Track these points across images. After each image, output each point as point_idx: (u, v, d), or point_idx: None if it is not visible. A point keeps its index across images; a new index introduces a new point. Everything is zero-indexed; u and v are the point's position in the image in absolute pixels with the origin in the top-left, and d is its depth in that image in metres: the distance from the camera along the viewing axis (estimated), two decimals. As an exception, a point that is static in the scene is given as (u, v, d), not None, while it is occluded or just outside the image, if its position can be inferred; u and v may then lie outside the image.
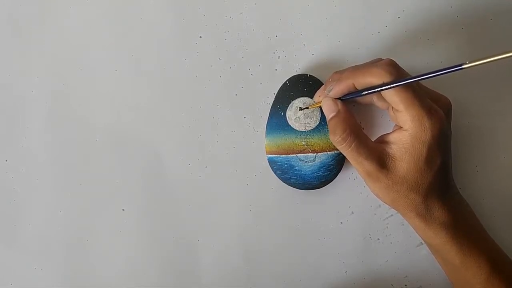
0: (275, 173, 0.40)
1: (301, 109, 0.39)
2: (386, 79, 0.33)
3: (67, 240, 0.42)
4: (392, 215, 0.41)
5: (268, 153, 0.40)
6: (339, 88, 0.36)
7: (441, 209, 0.35)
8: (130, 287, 0.42)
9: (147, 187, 0.42)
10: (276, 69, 0.41)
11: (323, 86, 0.38)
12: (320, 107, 0.38)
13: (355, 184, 0.41)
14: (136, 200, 0.42)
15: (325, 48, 0.41)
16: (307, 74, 0.40)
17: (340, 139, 0.35)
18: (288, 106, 0.39)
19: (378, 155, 0.35)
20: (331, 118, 0.36)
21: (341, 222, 0.41)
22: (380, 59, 0.36)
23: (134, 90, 0.42)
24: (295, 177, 0.39)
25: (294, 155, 0.39)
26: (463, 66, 0.30)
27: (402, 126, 0.34)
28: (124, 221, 0.42)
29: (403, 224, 0.41)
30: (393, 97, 0.34)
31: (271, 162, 0.40)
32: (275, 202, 0.41)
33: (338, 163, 0.39)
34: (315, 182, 0.39)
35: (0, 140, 0.42)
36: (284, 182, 0.40)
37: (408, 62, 0.40)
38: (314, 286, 0.41)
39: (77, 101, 0.42)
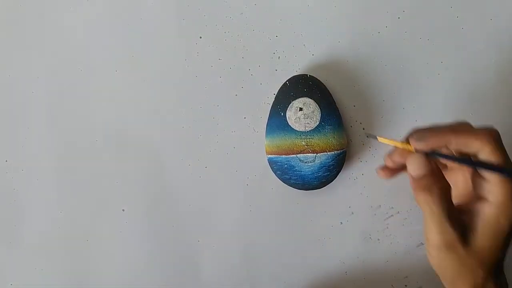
0: (275, 173, 0.40)
1: (300, 109, 0.39)
2: (489, 145, 0.31)
3: (67, 240, 0.42)
4: (392, 215, 0.41)
5: (268, 153, 0.40)
6: (434, 142, 0.32)
7: (493, 286, 0.32)
8: (131, 287, 0.42)
9: (147, 187, 0.42)
10: (276, 69, 0.41)
11: (411, 132, 0.34)
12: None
13: (355, 184, 0.41)
14: (136, 200, 0.42)
15: (325, 48, 0.41)
16: (307, 75, 0.40)
17: (433, 199, 0.32)
18: (288, 107, 0.39)
19: (460, 224, 0.32)
20: (425, 176, 0.32)
21: (341, 222, 0.41)
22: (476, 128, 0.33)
23: (134, 90, 0.42)
24: (295, 177, 0.39)
25: (294, 155, 0.39)
26: None
27: (486, 197, 0.32)
28: (125, 221, 0.42)
29: (403, 225, 0.41)
30: None
31: (271, 162, 0.40)
32: (275, 202, 0.41)
33: (338, 164, 0.39)
34: (315, 182, 0.39)
35: (0, 140, 0.42)
36: (284, 182, 0.40)
37: (408, 62, 0.41)
38: (314, 286, 0.41)
39: (77, 101, 0.42)
